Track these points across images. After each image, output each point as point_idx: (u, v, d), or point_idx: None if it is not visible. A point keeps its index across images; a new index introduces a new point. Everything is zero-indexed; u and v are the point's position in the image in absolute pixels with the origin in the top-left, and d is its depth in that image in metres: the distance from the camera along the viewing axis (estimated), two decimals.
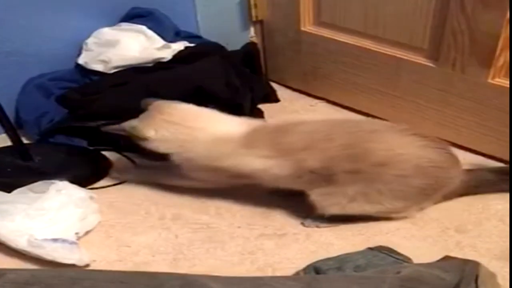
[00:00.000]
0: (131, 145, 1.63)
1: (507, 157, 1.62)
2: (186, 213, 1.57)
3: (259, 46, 2.17)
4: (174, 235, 1.49)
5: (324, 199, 1.43)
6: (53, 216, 1.47)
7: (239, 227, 1.50)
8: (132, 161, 1.77)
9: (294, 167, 1.39)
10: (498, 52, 1.54)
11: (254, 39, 2.17)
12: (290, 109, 2.00)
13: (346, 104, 1.98)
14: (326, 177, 1.39)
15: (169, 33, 2.06)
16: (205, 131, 1.48)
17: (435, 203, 1.50)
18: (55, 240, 1.40)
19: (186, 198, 1.62)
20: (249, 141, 1.43)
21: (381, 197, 1.40)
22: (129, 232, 1.52)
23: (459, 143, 1.69)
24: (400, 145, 1.39)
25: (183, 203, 1.60)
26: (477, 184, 1.51)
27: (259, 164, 1.41)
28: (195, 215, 1.55)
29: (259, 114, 1.94)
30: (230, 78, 1.89)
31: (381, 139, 1.40)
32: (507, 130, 1.59)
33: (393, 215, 1.47)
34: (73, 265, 1.37)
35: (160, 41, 2.00)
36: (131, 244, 1.48)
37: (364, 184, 1.39)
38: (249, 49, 2.13)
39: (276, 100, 2.07)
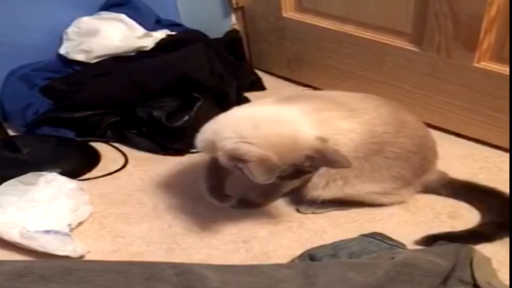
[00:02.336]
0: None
1: (495, 141, 1.66)
2: (179, 202, 1.57)
3: (242, 33, 2.17)
4: (167, 225, 1.50)
5: (320, 181, 1.44)
6: (44, 207, 1.47)
7: (232, 216, 1.50)
8: (122, 152, 1.77)
9: None
10: (482, 35, 1.55)
11: (236, 26, 2.16)
12: (277, 96, 1.99)
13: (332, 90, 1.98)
14: None
15: (150, 22, 2.06)
16: None
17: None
18: (47, 231, 1.40)
19: (177, 188, 1.62)
20: None
21: (380, 176, 1.43)
22: (123, 222, 1.52)
23: (447, 128, 1.72)
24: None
25: (175, 193, 1.60)
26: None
27: None
28: (188, 205, 1.56)
29: (245, 102, 1.94)
30: (214, 66, 1.89)
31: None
32: (495, 114, 1.62)
33: (385, 199, 1.49)
34: (67, 257, 1.36)
35: (141, 30, 1.99)
36: (125, 234, 1.48)
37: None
38: (232, 37, 2.13)
39: (262, 87, 2.07)
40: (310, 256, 1.32)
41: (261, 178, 1.22)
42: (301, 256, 1.33)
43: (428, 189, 1.52)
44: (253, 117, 1.35)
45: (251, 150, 1.24)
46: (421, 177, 1.49)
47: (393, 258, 1.18)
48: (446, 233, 1.39)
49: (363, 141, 1.39)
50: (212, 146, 1.35)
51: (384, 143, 1.41)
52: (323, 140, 1.28)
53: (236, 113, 1.43)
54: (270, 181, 1.24)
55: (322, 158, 1.27)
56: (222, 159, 1.30)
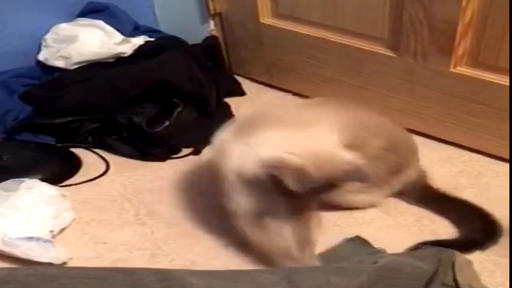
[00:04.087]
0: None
1: (473, 145, 1.68)
2: (160, 208, 1.57)
3: (220, 39, 2.16)
4: (150, 231, 1.50)
5: None
6: (26, 214, 1.46)
7: (214, 221, 1.50)
8: (103, 158, 1.76)
9: None
10: (457, 40, 1.57)
11: (215, 32, 2.16)
12: (257, 102, 2.01)
13: (312, 95, 1.97)
14: None
15: (128, 28, 2.07)
16: None
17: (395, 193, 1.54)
18: (29, 238, 1.39)
19: (159, 194, 1.63)
20: None
21: None
22: (105, 228, 1.51)
23: (426, 132, 1.73)
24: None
25: (156, 199, 1.60)
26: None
27: None
28: (170, 210, 1.56)
29: (226, 108, 1.96)
30: (193, 72, 1.90)
31: None
32: (472, 119, 1.64)
33: (357, 199, 1.50)
34: (49, 264, 1.35)
35: (119, 36, 2.00)
36: (108, 240, 1.48)
37: None
38: (210, 43, 2.13)
39: (242, 93, 2.07)
40: None
41: (294, 184, 1.23)
42: None
43: (404, 191, 1.54)
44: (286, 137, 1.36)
45: (290, 158, 1.26)
46: (397, 176, 1.51)
47: (376, 262, 1.19)
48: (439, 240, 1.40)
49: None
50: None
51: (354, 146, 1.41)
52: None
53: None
54: (301, 190, 1.25)
55: (356, 173, 1.29)
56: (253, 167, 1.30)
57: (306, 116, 1.47)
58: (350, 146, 1.37)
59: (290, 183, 1.23)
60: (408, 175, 1.53)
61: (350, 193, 1.47)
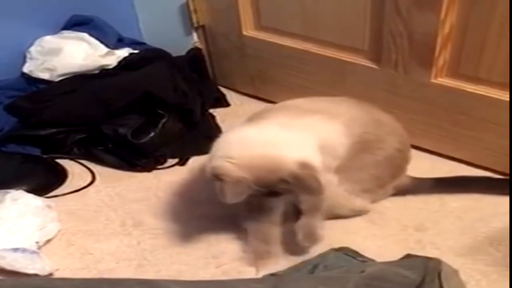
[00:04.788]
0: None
1: (456, 155, 1.70)
2: (146, 219, 1.57)
3: (204, 51, 2.17)
4: (136, 242, 1.50)
5: None
6: (11, 225, 1.46)
7: (201, 231, 1.51)
8: (88, 169, 1.77)
9: None
10: (437, 52, 1.59)
11: (198, 44, 2.17)
12: (242, 113, 2.00)
13: None
14: None
15: (112, 40, 2.07)
16: None
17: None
18: (15, 250, 1.39)
19: (145, 204, 1.63)
20: None
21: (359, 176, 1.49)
22: (91, 239, 1.52)
23: (410, 142, 1.73)
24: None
25: (142, 209, 1.61)
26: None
27: None
28: (156, 221, 1.56)
29: (210, 119, 1.97)
30: (177, 83, 1.91)
31: None
32: (455, 129, 1.66)
33: (353, 204, 1.52)
34: (35, 275, 1.35)
35: (103, 48, 2.01)
36: (94, 251, 1.48)
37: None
38: (194, 55, 2.14)
39: (226, 104, 2.08)
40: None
41: (229, 199, 1.26)
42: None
43: (400, 191, 1.57)
44: (247, 138, 1.38)
45: (230, 170, 1.27)
46: (396, 180, 1.55)
47: (362, 272, 1.19)
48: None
49: (350, 142, 1.44)
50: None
51: (367, 142, 1.45)
52: (305, 165, 1.30)
53: (238, 132, 1.44)
54: (235, 201, 1.27)
55: (296, 183, 1.29)
56: (207, 175, 1.33)
57: (319, 106, 1.52)
58: (363, 140, 1.43)
59: (225, 195, 1.26)
60: (401, 181, 1.56)
61: (340, 197, 1.48)
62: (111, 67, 1.99)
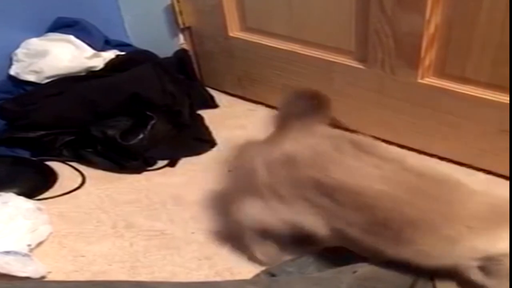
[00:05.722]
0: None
1: (444, 154, 1.72)
2: (138, 220, 1.58)
3: (191, 52, 2.18)
4: (128, 243, 1.50)
5: None
6: (2, 228, 1.45)
7: (192, 232, 1.52)
8: (78, 171, 1.77)
9: None
10: (423, 52, 1.59)
11: (185, 46, 2.18)
12: (230, 114, 2.02)
13: None
14: None
15: (98, 42, 2.07)
16: None
17: None
18: (7, 252, 1.39)
19: (136, 206, 1.63)
20: None
21: None
22: (83, 241, 1.52)
23: (397, 142, 1.77)
24: None
25: (133, 211, 1.61)
26: None
27: None
28: (147, 223, 1.57)
29: (199, 120, 1.97)
30: (165, 85, 1.91)
31: None
32: (443, 128, 1.68)
33: None
34: (28, 278, 1.35)
35: (90, 50, 2.01)
36: (86, 253, 1.48)
37: None
38: (181, 56, 2.15)
39: (214, 105, 2.09)
40: (271, 273, 1.33)
41: None
42: (264, 273, 1.34)
43: None
44: None
45: None
46: None
47: (355, 272, 1.21)
48: None
49: None
50: None
51: None
52: None
53: None
54: None
55: None
56: None
57: None
58: None
59: None
60: None
61: None
62: (98, 69, 1.98)
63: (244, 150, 1.38)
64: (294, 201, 1.25)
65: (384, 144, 1.51)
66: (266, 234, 1.34)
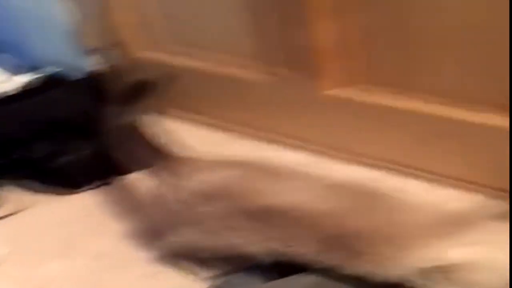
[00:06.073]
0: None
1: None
2: (83, 240, 1.57)
3: (103, 73, 2.19)
4: (75, 264, 1.49)
5: None
6: None
7: (140, 248, 1.50)
8: (18, 194, 1.77)
9: None
10: (324, 64, 1.61)
11: (96, 67, 2.20)
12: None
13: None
14: None
15: (10, 66, 2.05)
16: None
17: None
18: None
19: (79, 226, 1.63)
20: None
21: None
22: (29, 265, 1.50)
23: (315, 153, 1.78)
24: None
25: (77, 231, 1.61)
26: None
27: None
28: (92, 243, 1.56)
29: (121, 137, 1.98)
30: (80, 106, 1.94)
31: None
32: (357, 134, 1.68)
33: None
34: None
35: (1, 74, 1.99)
36: (32, 277, 1.46)
37: None
38: (93, 77, 2.16)
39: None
40: None
41: None
42: None
43: None
44: None
45: None
46: None
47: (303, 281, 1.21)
48: None
49: None
50: None
51: None
52: None
53: None
54: None
55: None
56: None
57: None
58: None
59: None
60: None
61: None
62: (10, 94, 1.98)
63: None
64: (222, 231, 1.29)
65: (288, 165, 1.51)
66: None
